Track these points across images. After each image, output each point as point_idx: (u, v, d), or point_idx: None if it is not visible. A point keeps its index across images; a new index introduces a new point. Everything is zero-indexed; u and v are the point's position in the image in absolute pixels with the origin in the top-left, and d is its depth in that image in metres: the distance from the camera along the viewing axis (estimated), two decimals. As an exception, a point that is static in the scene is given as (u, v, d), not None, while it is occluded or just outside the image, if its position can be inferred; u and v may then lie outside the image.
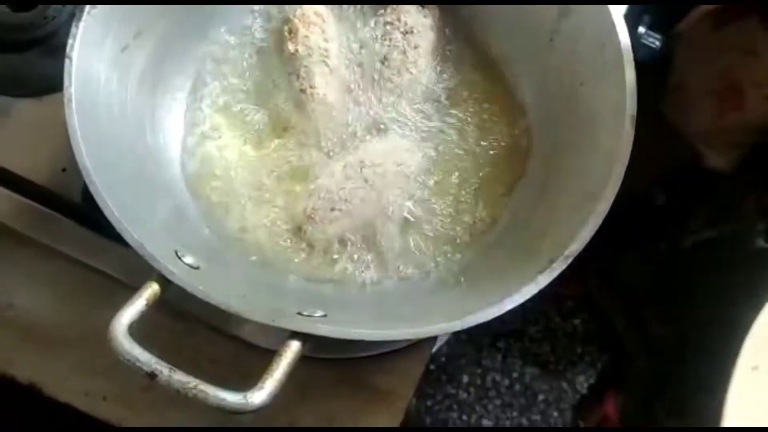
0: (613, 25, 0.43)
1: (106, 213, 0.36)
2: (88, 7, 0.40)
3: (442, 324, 0.37)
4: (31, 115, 0.54)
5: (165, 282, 0.37)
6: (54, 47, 0.54)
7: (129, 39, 0.44)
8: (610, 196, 0.39)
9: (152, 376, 0.33)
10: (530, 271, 0.39)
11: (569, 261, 0.39)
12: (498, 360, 1.19)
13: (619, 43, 0.42)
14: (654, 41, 0.64)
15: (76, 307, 0.52)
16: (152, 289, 0.37)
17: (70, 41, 0.39)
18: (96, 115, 0.40)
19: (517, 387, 1.18)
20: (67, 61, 0.39)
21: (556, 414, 1.16)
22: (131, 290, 0.50)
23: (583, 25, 0.45)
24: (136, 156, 0.44)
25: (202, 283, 0.37)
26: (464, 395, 1.17)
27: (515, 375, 1.18)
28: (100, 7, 0.41)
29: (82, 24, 0.40)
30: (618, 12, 0.43)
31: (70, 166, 0.52)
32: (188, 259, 0.39)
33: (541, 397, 1.17)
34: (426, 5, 0.51)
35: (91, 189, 0.37)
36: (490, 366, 1.18)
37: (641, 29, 0.64)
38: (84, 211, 0.51)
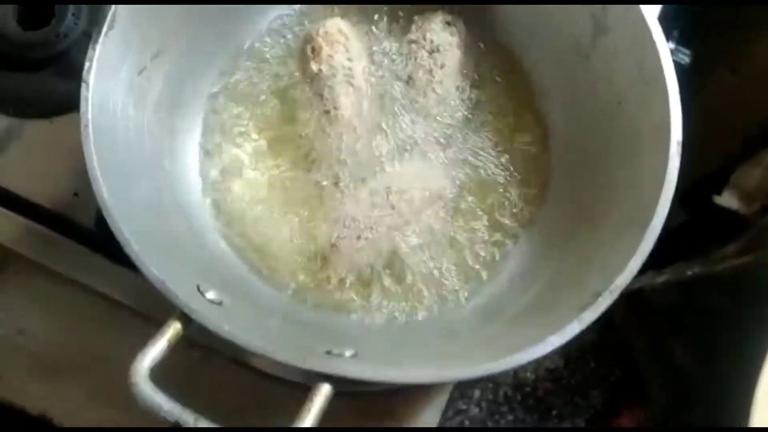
0: (652, 41, 0.41)
1: (125, 248, 0.34)
2: (105, 28, 0.38)
3: (480, 366, 0.34)
4: (42, 137, 0.52)
5: (187, 320, 0.35)
6: (66, 67, 0.52)
7: (147, 60, 0.42)
8: (657, 225, 0.37)
9: (176, 426, 0.31)
10: (572, 306, 0.37)
11: (615, 296, 0.36)
12: (510, 374, 1.16)
13: (659, 60, 0.41)
14: (684, 57, 0.62)
15: (88, 334, 0.50)
16: (174, 328, 0.34)
17: (86, 64, 0.37)
18: (113, 141, 0.38)
19: (530, 401, 1.15)
20: (83, 85, 0.37)
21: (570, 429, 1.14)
22: (145, 318, 0.48)
23: (620, 41, 0.43)
24: (154, 182, 0.42)
25: (226, 320, 0.35)
26: (476, 410, 1.15)
27: (528, 389, 1.16)
28: (118, 27, 0.39)
29: (99, 47, 0.38)
30: (657, 26, 0.41)
31: (83, 191, 0.51)
32: (210, 295, 0.37)
33: (554, 411, 1.15)
34: (452, 24, 0.49)
35: (110, 222, 0.35)
36: (501, 380, 1.16)
37: (671, 44, 0.62)
38: (97, 238, 0.49)
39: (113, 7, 0.38)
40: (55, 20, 0.51)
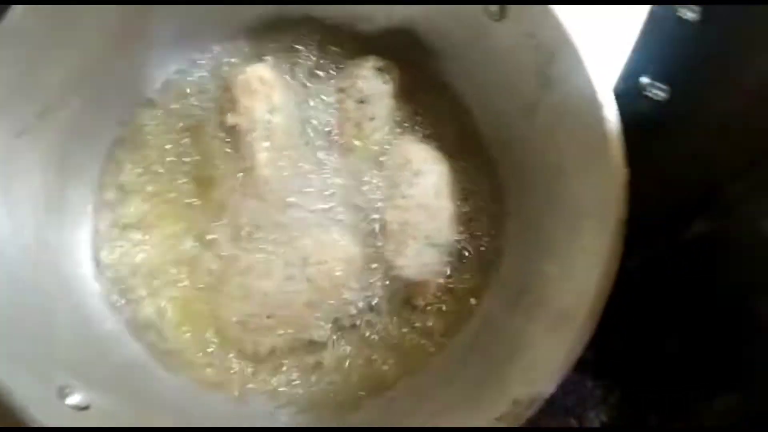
0: (597, 102, 0.36)
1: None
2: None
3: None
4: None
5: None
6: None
7: (30, 118, 0.37)
8: (589, 323, 0.32)
9: None
10: (487, 412, 0.32)
11: (536, 407, 0.32)
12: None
13: (603, 123, 0.35)
14: (658, 92, 0.56)
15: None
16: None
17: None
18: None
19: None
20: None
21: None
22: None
23: (566, 99, 0.38)
24: (26, 262, 0.36)
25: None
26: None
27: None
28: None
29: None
30: (604, 87, 0.36)
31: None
32: (75, 398, 0.32)
33: (547, 435, 1.09)
34: (385, 71, 0.43)
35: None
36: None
37: (645, 79, 0.56)
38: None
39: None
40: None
